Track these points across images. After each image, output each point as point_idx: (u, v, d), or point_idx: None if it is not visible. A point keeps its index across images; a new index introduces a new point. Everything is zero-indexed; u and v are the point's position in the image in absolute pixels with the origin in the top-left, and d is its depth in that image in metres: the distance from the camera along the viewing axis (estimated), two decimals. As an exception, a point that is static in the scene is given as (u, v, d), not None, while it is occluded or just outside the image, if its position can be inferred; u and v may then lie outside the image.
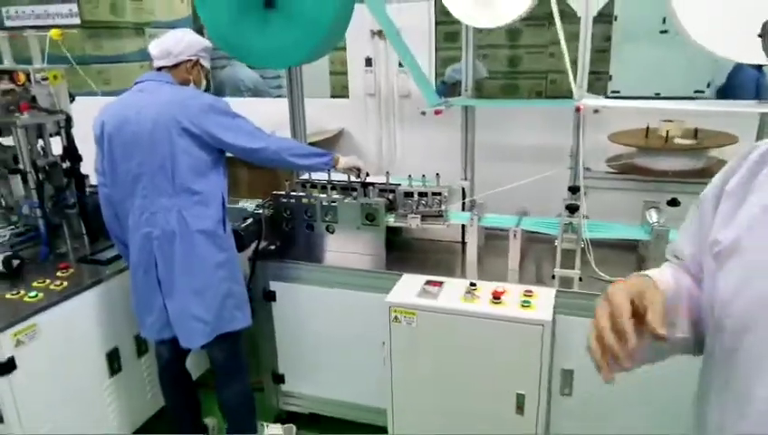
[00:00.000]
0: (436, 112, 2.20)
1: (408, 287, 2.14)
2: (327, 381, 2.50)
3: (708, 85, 2.81)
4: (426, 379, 2.11)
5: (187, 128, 2.03)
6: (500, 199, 2.43)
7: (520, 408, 2.02)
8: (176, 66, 2.16)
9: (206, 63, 2.25)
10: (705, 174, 2.32)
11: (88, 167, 2.53)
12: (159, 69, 2.16)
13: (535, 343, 1.95)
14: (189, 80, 2.20)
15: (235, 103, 2.21)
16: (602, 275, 2.14)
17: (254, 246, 2.42)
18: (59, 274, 2.31)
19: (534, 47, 4.04)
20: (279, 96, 4.05)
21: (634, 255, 2.34)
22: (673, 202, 2.24)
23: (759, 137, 2.28)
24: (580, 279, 2.15)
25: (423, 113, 2.18)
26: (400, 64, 2.88)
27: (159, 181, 2.06)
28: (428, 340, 2.06)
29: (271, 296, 2.44)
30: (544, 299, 2.03)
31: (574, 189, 2.26)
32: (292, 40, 2.19)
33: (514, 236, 2.24)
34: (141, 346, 2.49)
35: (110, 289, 2.34)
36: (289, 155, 2.20)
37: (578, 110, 2.00)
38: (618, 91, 2.93)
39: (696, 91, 2.82)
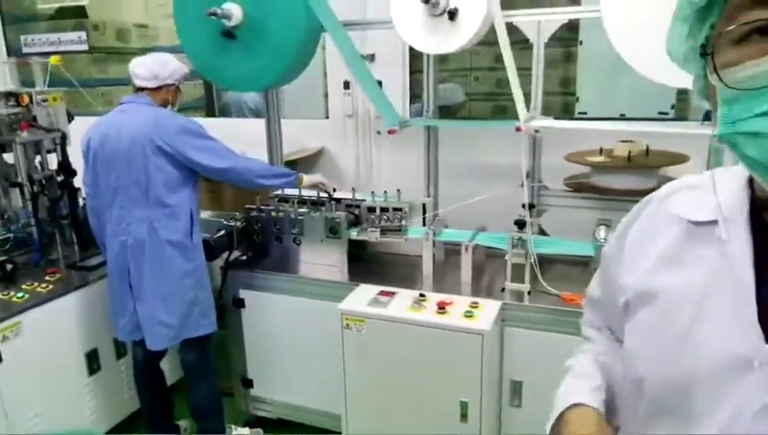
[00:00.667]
0: (390, 132, 2.33)
1: (362, 297, 2.25)
2: (292, 387, 2.62)
3: (672, 107, 2.88)
4: (375, 385, 2.22)
5: (161, 147, 2.21)
6: (463, 216, 2.53)
7: (464, 416, 2.11)
8: (157, 88, 2.35)
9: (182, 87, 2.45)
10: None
11: (81, 180, 2.75)
12: (140, 89, 2.35)
13: (476, 353, 2.04)
14: (168, 101, 2.39)
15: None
16: (551, 289, 2.22)
17: (225, 256, 2.57)
18: (47, 278, 2.50)
19: (522, 69, 4.16)
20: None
21: (586, 271, 2.41)
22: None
23: (709, 156, 2.34)
24: (529, 293, 2.24)
25: (378, 133, 2.31)
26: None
27: (135, 194, 2.24)
28: (377, 347, 2.17)
29: (240, 304, 2.58)
30: (488, 311, 2.12)
31: (530, 206, 2.35)
32: (258, 67, 2.36)
33: (466, 250, 2.34)
34: (120, 349, 2.66)
35: (92, 293, 2.53)
36: (255, 176, 2.37)
37: (518, 129, 2.10)
38: (585, 113, 3.02)
39: (659, 113, 2.89)
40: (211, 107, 4.92)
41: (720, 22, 0.60)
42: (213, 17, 2.31)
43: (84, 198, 2.69)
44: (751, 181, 0.69)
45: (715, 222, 0.68)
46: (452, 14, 2.08)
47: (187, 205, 2.30)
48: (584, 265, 2.43)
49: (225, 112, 4.54)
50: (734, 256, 0.66)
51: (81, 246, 2.80)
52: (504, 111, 4.31)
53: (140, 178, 2.23)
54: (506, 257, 2.27)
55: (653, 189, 0.83)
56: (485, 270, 2.50)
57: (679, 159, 2.40)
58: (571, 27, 3.08)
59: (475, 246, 2.38)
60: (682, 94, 2.94)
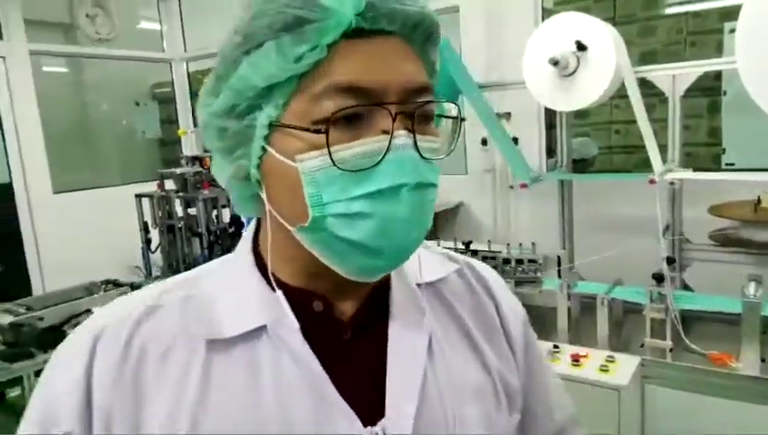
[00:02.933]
0: (522, 186, 2.43)
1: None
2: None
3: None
4: None
5: None
6: (598, 270, 2.52)
7: (601, 473, 2.05)
8: None
9: None
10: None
11: (247, 232, 3.18)
12: None
13: (612, 408, 2.00)
14: None
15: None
16: (696, 347, 2.12)
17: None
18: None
19: (662, 121, 4.06)
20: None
21: (735, 329, 2.26)
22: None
23: None
24: (671, 350, 2.15)
25: (511, 187, 2.42)
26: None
27: None
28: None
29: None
30: (626, 365, 2.08)
31: (669, 260, 2.29)
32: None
33: (602, 303, 2.31)
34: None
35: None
36: None
37: (651, 182, 2.09)
38: (732, 164, 2.85)
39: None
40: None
41: (297, 101, 0.54)
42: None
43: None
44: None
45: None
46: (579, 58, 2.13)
47: None
48: (732, 324, 2.28)
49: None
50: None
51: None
52: (648, 164, 4.18)
53: None
54: (644, 312, 2.22)
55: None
56: (623, 325, 2.44)
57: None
58: (716, 76, 2.99)
59: (611, 299, 2.35)
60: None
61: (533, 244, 2.57)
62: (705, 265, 2.43)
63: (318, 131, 0.52)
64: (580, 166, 3.17)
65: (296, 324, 0.58)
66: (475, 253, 2.71)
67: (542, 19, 2.93)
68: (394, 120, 0.53)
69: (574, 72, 2.21)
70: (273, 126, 0.55)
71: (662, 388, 2.10)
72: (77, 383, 0.56)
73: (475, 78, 2.79)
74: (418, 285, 0.67)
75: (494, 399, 0.67)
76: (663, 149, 2.25)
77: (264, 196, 0.58)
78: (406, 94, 0.55)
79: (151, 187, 3.40)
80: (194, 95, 4.94)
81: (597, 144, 3.58)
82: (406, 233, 0.55)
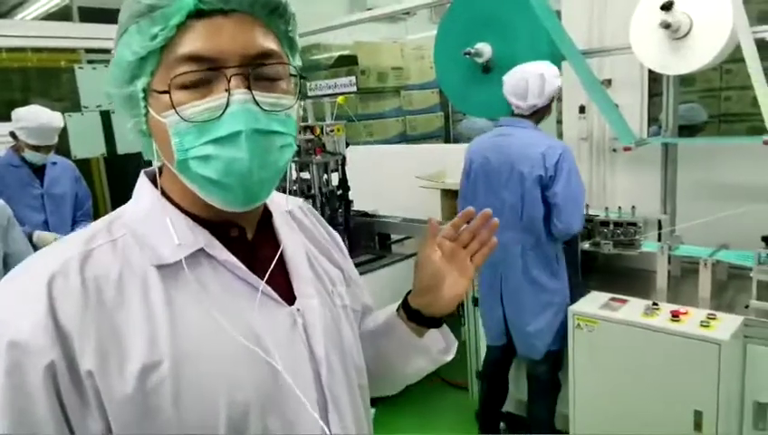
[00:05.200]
0: (625, 149, 2.48)
1: (594, 302, 2.42)
2: (518, 384, 2.86)
3: None
4: (604, 386, 2.35)
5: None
6: (703, 235, 2.53)
7: (698, 425, 2.12)
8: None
9: None
10: None
11: (352, 195, 3.42)
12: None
13: (712, 363, 2.06)
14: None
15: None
16: (804, 309, 2.12)
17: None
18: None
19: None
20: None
21: None
22: None
23: None
24: (778, 312, 2.17)
25: (614, 150, 2.47)
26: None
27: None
28: (607, 349, 2.31)
29: (476, 302, 2.93)
30: (728, 323, 2.12)
31: (779, 224, 2.28)
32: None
33: (705, 265, 2.34)
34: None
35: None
36: None
37: (766, 143, 2.09)
38: None
39: None
40: (448, 135, 5.50)
41: (161, 70, 0.69)
42: (467, 56, 2.74)
43: (355, 211, 3.34)
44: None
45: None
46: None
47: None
48: None
49: (458, 140, 5.05)
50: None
51: (351, 246, 3.45)
52: (762, 131, 3.99)
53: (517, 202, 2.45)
54: (752, 274, 2.23)
55: None
56: (728, 289, 2.46)
57: None
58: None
59: (715, 262, 2.37)
60: None
61: (633, 207, 2.62)
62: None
63: (167, 93, 0.68)
64: (688, 133, 3.13)
65: (223, 247, 0.75)
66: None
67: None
68: (229, 81, 0.67)
69: (687, 34, 2.22)
70: (146, 91, 0.71)
71: (766, 348, 2.12)
72: (43, 323, 0.63)
73: (577, 44, 2.83)
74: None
75: (345, 281, 0.93)
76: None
77: (155, 146, 0.74)
78: (245, 59, 0.68)
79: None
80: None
81: (706, 110, 3.49)
82: (248, 171, 0.69)
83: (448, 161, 3.95)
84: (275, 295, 0.77)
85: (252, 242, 0.81)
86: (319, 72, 4.99)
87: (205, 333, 0.70)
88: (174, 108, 0.68)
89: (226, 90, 0.67)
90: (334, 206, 3.40)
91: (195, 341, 0.69)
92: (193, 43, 0.67)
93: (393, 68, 4.86)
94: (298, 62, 0.79)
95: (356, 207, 3.58)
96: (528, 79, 2.44)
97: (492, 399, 2.87)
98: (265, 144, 0.70)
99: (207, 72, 0.68)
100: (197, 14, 0.67)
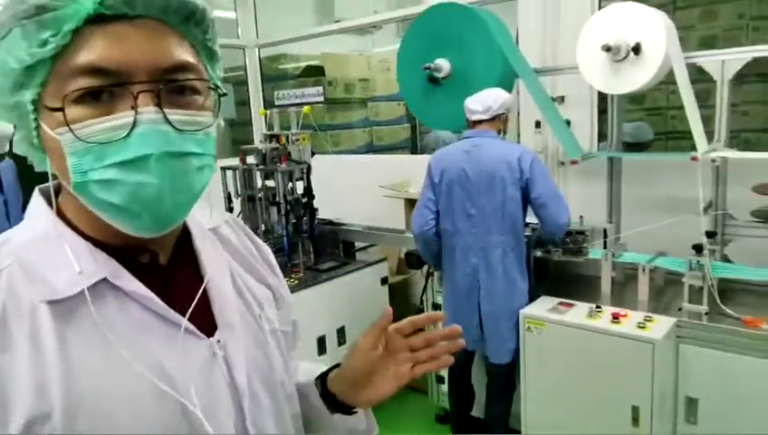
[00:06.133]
0: (572, 162, 2.65)
1: (543, 305, 2.58)
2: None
3: None
4: (552, 385, 2.50)
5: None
6: (644, 244, 2.71)
7: (635, 419, 2.28)
8: (491, 119, 2.65)
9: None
10: None
11: (317, 203, 3.52)
12: (477, 123, 2.67)
13: (646, 361, 2.22)
14: (500, 129, 2.71)
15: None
16: (730, 312, 2.30)
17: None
18: (292, 275, 3.25)
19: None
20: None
21: (774, 299, 2.43)
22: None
23: None
24: (707, 314, 2.35)
25: (561, 163, 2.64)
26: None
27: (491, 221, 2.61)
28: (554, 350, 2.47)
29: (438, 308, 3.06)
30: (662, 324, 2.30)
31: (710, 234, 2.47)
32: (460, 109, 2.86)
33: (643, 271, 2.52)
34: (341, 338, 3.30)
35: (323, 290, 3.21)
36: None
37: (693, 159, 2.28)
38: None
39: None
40: (415, 146, 5.65)
41: (54, 82, 0.60)
42: (427, 70, 2.88)
43: (320, 219, 3.44)
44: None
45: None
46: (635, 50, 2.32)
47: None
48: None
49: (424, 151, 5.19)
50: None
51: (315, 254, 3.55)
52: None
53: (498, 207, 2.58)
54: (683, 280, 2.41)
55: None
56: (664, 294, 2.64)
57: None
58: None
59: (653, 268, 2.55)
60: None
61: (581, 217, 2.79)
62: (746, 241, 2.58)
63: (59, 110, 0.58)
64: (636, 150, 3.32)
65: (131, 276, 0.66)
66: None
67: (599, 7, 3.10)
68: (136, 99, 0.59)
69: (625, 57, 2.40)
70: (36, 103, 0.61)
71: (696, 347, 2.30)
72: None
73: (531, 63, 3.00)
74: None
75: (275, 302, 0.86)
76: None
77: (48, 162, 0.64)
78: (155, 73, 0.60)
79: (232, 162, 3.77)
80: (265, 79, 5.32)
81: (652, 129, 3.71)
82: (159, 197, 0.61)
83: (413, 172, 4.09)
84: (192, 328, 0.69)
85: (166, 267, 0.72)
86: (286, 82, 5.08)
87: (104, 376, 0.62)
88: (68, 125, 0.59)
89: (132, 107, 0.59)
90: (299, 214, 3.49)
91: (92, 385, 0.61)
92: (92, 52, 0.58)
93: (360, 79, 4.99)
94: (219, 72, 0.72)
95: (321, 215, 3.68)
96: (485, 92, 2.66)
97: (462, 404, 2.97)
98: (179, 167, 0.62)
99: (109, 87, 0.59)
100: (97, 20, 0.58)
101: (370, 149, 5.12)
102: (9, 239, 0.66)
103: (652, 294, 2.57)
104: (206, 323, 0.72)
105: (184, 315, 0.68)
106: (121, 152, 0.59)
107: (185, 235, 0.76)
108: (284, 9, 5.65)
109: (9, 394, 0.58)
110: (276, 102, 5.11)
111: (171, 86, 0.62)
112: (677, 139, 4.37)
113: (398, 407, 3.43)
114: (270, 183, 3.55)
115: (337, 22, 5.12)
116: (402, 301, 3.99)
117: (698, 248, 2.36)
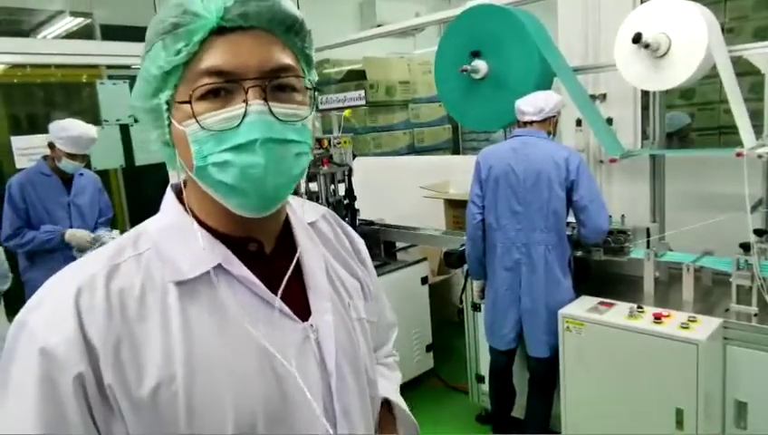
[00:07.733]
0: (611, 161, 2.61)
1: (583, 305, 2.55)
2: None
3: None
4: (592, 385, 2.47)
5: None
6: (690, 243, 2.64)
7: (679, 422, 2.23)
8: (543, 121, 2.68)
9: None
10: None
11: (359, 204, 3.58)
12: (528, 123, 2.69)
13: (690, 362, 2.17)
14: (551, 131, 2.73)
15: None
16: (781, 313, 2.23)
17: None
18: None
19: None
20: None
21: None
22: None
23: None
24: (756, 315, 2.27)
25: (601, 162, 2.60)
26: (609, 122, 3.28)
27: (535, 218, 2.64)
28: (594, 350, 2.44)
29: (477, 308, 3.07)
30: (707, 325, 2.24)
31: (758, 232, 2.39)
32: (499, 110, 2.86)
33: (688, 270, 2.46)
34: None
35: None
36: None
37: (738, 155, 2.21)
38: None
39: None
40: (457, 147, 5.66)
41: (184, 83, 0.73)
42: (464, 73, 2.90)
43: (361, 220, 3.49)
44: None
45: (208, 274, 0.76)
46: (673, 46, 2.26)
47: None
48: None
49: (466, 151, 5.20)
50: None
51: (356, 254, 3.61)
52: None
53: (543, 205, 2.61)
54: (731, 280, 2.34)
55: None
56: (711, 294, 2.57)
57: None
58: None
59: (698, 267, 2.49)
60: None
61: (623, 216, 2.74)
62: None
63: (188, 103, 0.72)
64: (676, 139, 3.24)
65: (240, 263, 0.78)
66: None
67: (641, 2, 3.04)
68: (247, 93, 0.72)
69: (666, 53, 2.36)
70: (169, 103, 0.75)
71: (745, 349, 2.23)
72: (74, 337, 0.68)
73: (571, 61, 2.97)
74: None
75: (363, 294, 0.95)
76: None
77: (177, 155, 0.77)
78: (262, 73, 0.72)
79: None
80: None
81: (687, 115, 3.62)
82: (263, 177, 0.72)
83: (454, 172, 4.10)
84: (289, 311, 0.80)
85: (269, 256, 0.83)
86: (329, 87, 5.18)
87: (217, 347, 0.73)
88: (195, 117, 0.72)
89: (244, 100, 0.72)
90: (341, 215, 3.56)
91: (207, 354, 0.73)
92: (214, 57, 0.72)
93: (401, 82, 5.04)
94: (314, 76, 0.83)
95: (362, 216, 3.75)
96: (536, 94, 2.69)
97: (503, 404, 2.97)
98: (280, 152, 0.73)
99: (227, 84, 0.72)
100: (219, 31, 0.72)
101: (412, 150, 5.17)
102: (146, 228, 0.80)
103: (698, 294, 2.51)
104: (301, 308, 0.82)
105: (283, 301, 0.79)
106: (234, 138, 0.72)
107: (286, 228, 0.87)
108: (328, 15, 5.77)
109: (144, 359, 0.70)
110: (321, 107, 5.21)
111: (275, 83, 0.74)
112: (729, 134, 4.23)
113: (438, 407, 3.46)
114: (313, 186, 3.65)
115: (378, 26, 5.18)
116: (442, 301, 4.01)
117: (746, 247, 2.29)
